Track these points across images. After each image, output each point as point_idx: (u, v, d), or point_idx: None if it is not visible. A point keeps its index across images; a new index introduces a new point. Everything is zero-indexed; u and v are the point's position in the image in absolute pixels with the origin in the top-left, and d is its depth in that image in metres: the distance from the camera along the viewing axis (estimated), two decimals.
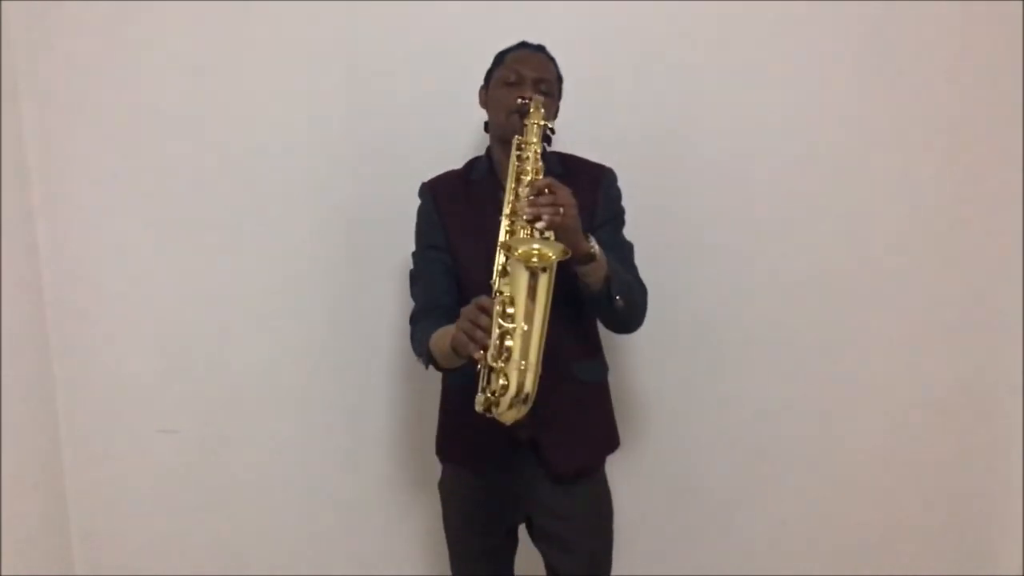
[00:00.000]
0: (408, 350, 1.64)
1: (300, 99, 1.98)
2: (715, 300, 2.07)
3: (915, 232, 2.03)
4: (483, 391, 1.36)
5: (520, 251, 1.29)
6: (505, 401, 1.31)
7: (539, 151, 1.46)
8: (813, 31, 1.94)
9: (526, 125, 1.48)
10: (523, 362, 1.30)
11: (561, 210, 1.34)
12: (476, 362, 1.32)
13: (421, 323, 1.61)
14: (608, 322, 1.59)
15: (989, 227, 2.02)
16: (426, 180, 1.69)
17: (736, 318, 2.08)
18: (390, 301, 2.05)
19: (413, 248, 1.67)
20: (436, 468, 1.77)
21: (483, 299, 1.33)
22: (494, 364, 1.32)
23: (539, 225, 1.35)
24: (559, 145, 1.63)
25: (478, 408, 1.37)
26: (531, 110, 1.49)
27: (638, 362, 2.08)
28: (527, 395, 1.32)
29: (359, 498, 2.19)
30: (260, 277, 2.06)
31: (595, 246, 1.43)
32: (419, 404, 2.10)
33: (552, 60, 1.64)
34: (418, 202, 1.68)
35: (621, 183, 1.66)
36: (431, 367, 1.54)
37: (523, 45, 1.64)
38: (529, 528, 1.71)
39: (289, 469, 2.17)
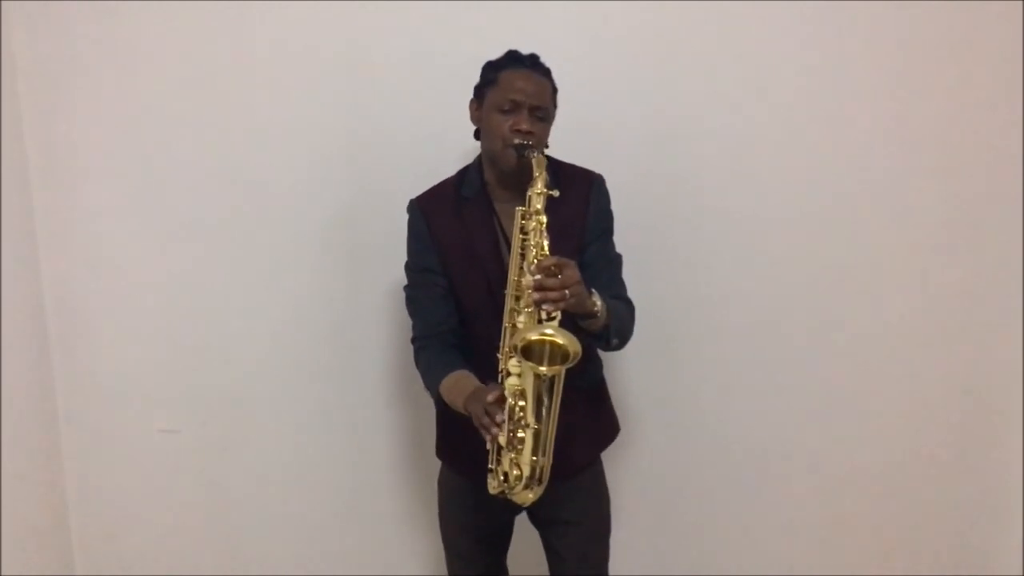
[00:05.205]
0: (408, 355, 1.66)
1: (300, 100, 1.97)
2: (712, 301, 2.07)
3: (915, 233, 2.03)
4: (494, 473, 1.44)
5: (530, 362, 1.33)
6: (520, 486, 1.41)
7: (544, 222, 1.41)
8: (812, 32, 1.94)
9: (530, 196, 1.42)
10: (535, 458, 1.39)
11: (567, 292, 1.33)
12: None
13: (426, 353, 1.62)
14: (597, 347, 1.58)
15: (989, 227, 2.02)
16: (414, 196, 1.64)
17: (734, 318, 2.08)
18: (390, 302, 2.04)
19: (407, 257, 1.65)
20: (435, 467, 1.78)
21: (494, 393, 1.38)
22: (505, 446, 1.39)
23: (546, 307, 1.34)
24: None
25: (492, 492, 1.46)
26: (535, 174, 1.42)
27: (634, 362, 2.08)
28: (541, 478, 1.42)
29: (359, 498, 2.19)
30: (260, 277, 2.06)
31: (598, 303, 1.41)
32: (418, 404, 2.09)
33: (546, 75, 1.56)
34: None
35: (616, 185, 1.64)
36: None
37: (515, 60, 1.54)
38: (528, 514, 1.72)
39: (289, 469, 2.17)
